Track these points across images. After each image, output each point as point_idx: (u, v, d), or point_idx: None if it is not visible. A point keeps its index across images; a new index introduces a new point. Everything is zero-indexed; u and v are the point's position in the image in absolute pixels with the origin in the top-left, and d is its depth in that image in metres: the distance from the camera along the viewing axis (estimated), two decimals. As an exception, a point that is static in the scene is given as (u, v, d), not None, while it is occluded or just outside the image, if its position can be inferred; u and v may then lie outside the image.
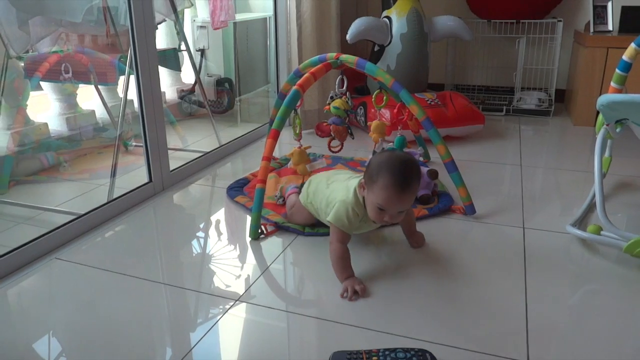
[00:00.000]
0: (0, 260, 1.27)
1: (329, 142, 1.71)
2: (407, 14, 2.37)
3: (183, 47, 2.62)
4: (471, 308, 1.12)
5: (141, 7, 1.64)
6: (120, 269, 1.30)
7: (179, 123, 2.73)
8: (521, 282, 1.21)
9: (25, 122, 2.06)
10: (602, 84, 2.48)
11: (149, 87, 1.71)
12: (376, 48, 2.52)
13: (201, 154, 2.08)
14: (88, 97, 2.44)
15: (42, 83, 2.17)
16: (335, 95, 1.67)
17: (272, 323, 1.10)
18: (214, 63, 2.97)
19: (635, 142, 1.82)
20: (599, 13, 2.62)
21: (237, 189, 1.79)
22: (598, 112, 1.41)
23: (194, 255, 1.42)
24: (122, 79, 1.98)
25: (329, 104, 1.67)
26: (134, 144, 2.27)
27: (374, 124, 1.81)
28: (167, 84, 2.93)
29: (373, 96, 1.81)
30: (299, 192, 1.56)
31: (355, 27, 2.34)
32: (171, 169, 1.87)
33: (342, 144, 1.72)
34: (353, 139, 1.72)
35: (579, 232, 1.38)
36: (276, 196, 1.66)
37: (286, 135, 2.45)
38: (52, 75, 2.02)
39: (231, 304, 1.15)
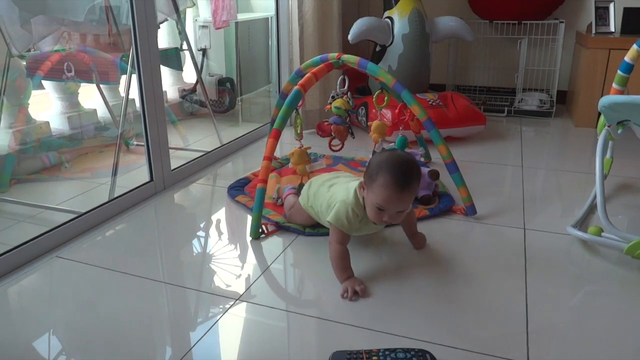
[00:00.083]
0: (0, 259, 1.27)
1: (330, 142, 1.72)
2: (409, 15, 2.37)
3: (185, 46, 2.62)
4: (471, 308, 1.12)
5: (143, 6, 1.64)
6: (120, 267, 1.30)
7: (180, 122, 2.73)
8: (521, 283, 1.21)
9: (27, 121, 2.07)
10: (603, 86, 2.48)
11: (150, 86, 1.71)
12: (378, 48, 2.52)
13: (202, 154, 2.08)
14: (90, 96, 2.44)
15: (43, 82, 2.18)
16: (337, 95, 1.67)
17: (272, 323, 1.10)
18: (216, 63, 2.97)
19: (636, 144, 1.82)
20: (601, 14, 2.61)
21: (238, 189, 1.79)
22: (599, 114, 1.41)
23: (194, 254, 1.42)
24: (123, 78, 1.98)
25: (330, 103, 1.67)
26: (135, 143, 2.27)
27: (374, 124, 1.81)
28: (169, 84, 2.94)
29: (374, 96, 1.81)
30: (296, 193, 1.56)
31: (357, 27, 2.34)
32: (172, 168, 1.87)
33: (342, 144, 1.72)
34: (354, 138, 1.72)
35: (579, 234, 1.38)
36: (273, 197, 1.66)
37: (287, 135, 2.45)
38: (54, 74, 2.02)
39: (231, 303, 1.15)
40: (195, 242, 1.49)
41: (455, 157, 1.55)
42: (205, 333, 1.05)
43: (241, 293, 1.19)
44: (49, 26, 1.87)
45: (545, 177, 1.96)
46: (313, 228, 1.47)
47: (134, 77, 1.73)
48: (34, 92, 2.13)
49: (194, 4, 2.57)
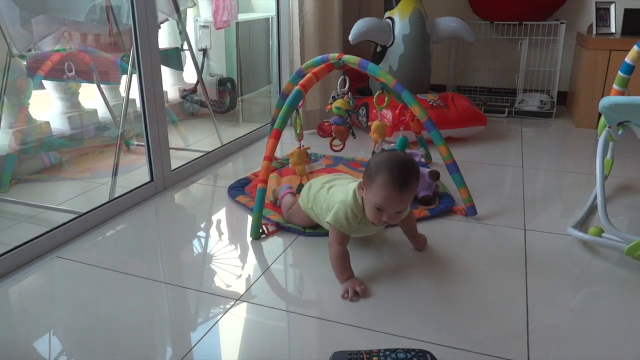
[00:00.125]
0: (1, 259, 1.27)
1: (331, 142, 1.72)
2: (410, 15, 2.37)
3: (185, 46, 2.62)
4: (472, 309, 1.12)
5: (144, 6, 1.64)
6: (121, 268, 1.30)
7: (180, 122, 2.73)
8: (522, 284, 1.21)
9: (27, 121, 2.07)
10: (604, 86, 2.48)
11: (151, 87, 1.71)
12: (378, 49, 2.52)
13: (203, 154, 2.08)
14: (90, 96, 2.44)
15: (44, 82, 2.18)
16: (338, 96, 1.68)
17: (272, 323, 1.10)
18: (216, 63, 2.97)
19: (637, 145, 1.82)
20: (602, 15, 2.61)
21: (238, 189, 1.79)
22: (600, 115, 1.41)
23: (195, 254, 1.42)
24: (124, 78, 1.98)
25: (331, 103, 1.68)
26: (135, 143, 2.27)
27: (374, 125, 1.81)
28: (169, 84, 2.94)
29: (375, 97, 1.81)
30: (294, 193, 1.56)
31: (358, 27, 2.34)
32: (173, 168, 1.87)
33: (343, 144, 1.72)
34: (355, 138, 1.73)
35: (580, 234, 1.38)
36: (270, 200, 1.65)
37: (288, 135, 2.45)
38: (55, 74, 2.02)
39: (232, 303, 1.15)
40: (195, 242, 1.49)
41: (456, 157, 1.55)
42: (206, 333, 1.05)
43: (242, 293, 1.19)
44: (49, 26, 1.87)
45: (545, 178, 1.96)
46: (313, 228, 1.47)
47: (135, 77, 1.73)
48: (35, 92, 2.13)
49: (195, 4, 2.57)
